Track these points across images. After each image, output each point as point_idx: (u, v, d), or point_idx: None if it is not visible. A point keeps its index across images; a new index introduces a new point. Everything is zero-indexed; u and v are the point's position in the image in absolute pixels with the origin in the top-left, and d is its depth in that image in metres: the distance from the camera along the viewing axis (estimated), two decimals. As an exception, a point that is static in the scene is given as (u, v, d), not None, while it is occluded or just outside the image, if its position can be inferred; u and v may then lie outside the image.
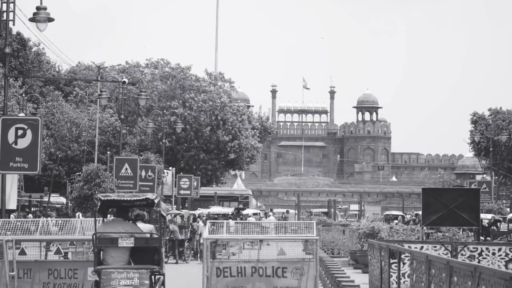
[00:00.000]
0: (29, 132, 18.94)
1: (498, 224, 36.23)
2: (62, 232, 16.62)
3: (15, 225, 15.61)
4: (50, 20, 20.45)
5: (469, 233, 25.86)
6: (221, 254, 17.75)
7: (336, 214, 60.89)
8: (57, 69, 62.94)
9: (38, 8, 20.44)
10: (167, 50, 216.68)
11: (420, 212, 35.96)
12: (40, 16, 20.38)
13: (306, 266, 15.03)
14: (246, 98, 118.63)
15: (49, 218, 23.38)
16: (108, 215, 13.56)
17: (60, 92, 52.07)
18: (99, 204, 11.85)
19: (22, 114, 35.91)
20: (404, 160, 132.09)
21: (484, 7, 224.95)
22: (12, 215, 28.71)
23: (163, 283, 12.09)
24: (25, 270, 14.48)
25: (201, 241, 29.05)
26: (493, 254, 16.30)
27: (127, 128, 57.80)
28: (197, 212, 38.38)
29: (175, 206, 44.43)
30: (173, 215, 31.91)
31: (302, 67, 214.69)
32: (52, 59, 60.35)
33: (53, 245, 18.40)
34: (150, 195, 11.95)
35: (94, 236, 11.75)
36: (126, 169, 32.25)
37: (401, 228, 26.41)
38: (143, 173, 35.05)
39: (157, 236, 12.24)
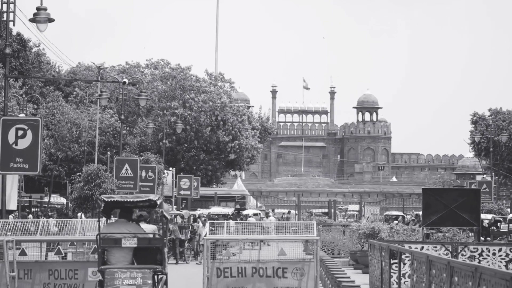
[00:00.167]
0: (29, 133, 18.94)
1: (498, 224, 36.23)
2: (63, 232, 16.61)
3: (15, 226, 15.61)
4: (50, 20, 20.44)
5: (469, 233, 25.85)
6: (221, 255, 17.76)
7: (336, 214, 60.94)
8: (57, 70, 62.97)
9: (38, 8, 20.43)
10: (167, 51, 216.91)
11: (420, 213, 35.97)
12: (40, 17, 20.37)
13: (306, 266, 15.03)
14: (246, 99, 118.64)
15: (50, 219, 23.38)
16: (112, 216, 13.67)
17: (60, 93, 52.05)
18: (103, 205, 12.05)
19: (22, 115, 35.92)
20: (404, 161, 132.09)
21: (485, 7, 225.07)
22: (10, 216, 28.71)
23: (165, 283, 12.23)
24: (26, 271, 14.48)
25: (201, 241, 29.10)
26: (494, 254, 16.31)
27: (127, 128, 57.80)
28: (197, 212, 38.39)
29: (175, 207, 44.44)
30: (173, 215, 31.91)
31: (302, 67, 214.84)
32: (52, 60, 60.47)
33: (52, 245, 18.40)
34: (152, 196, 12.20)
35: (98, 236, 11.91)
36: (127, 169, 32.24)
37: (401, 228, 26.40)
38: (143, 174, 35.04)
39: (159, 236, 12.42)
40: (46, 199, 47.33)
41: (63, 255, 17.89)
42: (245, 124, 63.60)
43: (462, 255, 16.16)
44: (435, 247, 16.36)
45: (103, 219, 12.74)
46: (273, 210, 60.23)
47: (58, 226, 17.32)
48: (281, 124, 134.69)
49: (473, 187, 44.60)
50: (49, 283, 14.47)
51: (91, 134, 47.19)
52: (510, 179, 68.41)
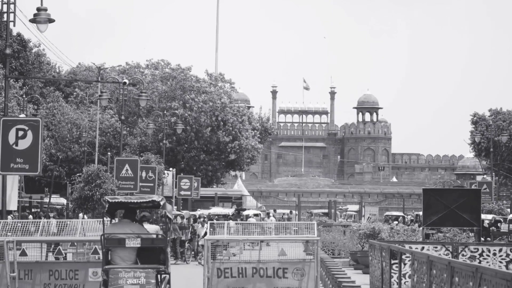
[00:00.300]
0: (29, 133, 18.93)
1: (499, 224, 36.24)
2: (63, 233, 16.61)
3: (16, 226, 15.60)
4: (51, 21, 20.43)
5: (469, 233, 25.85)
6: (221, 255, 17.76)
7: (336, 214, 60.93)
8: (57, 70, 62.95)
9: (38, 9, 20.42)
10: (167, 51, 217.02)
11: (420, 213, 35.97)
12: (40, 17, 20.36)
13: (307, 266, 15.04)
14: (246, 99, 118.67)
15: (51, 219, 23.36)
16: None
17: (61, 93, 52.04)
18: (107, 206, 12.23)
19: (22, 115, 35.91)
20: (405, 161, 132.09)
21: (485, 7, 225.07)
22: (9, 216, 28.68)
23: (168, 282, 12.40)
24: (26, 271, 14.48)
25: (200, 242, 29.11)
26: (494, 254, 16.31)
27: (128, 129, 57.79)
28: (197, 213, 38.39)
29: (175, 207, 44.44)
30: (173, 215, 31.91)
31: (302, 67, 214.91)
32: (52, 60, 60.46)
33: (54, 247, 18.38)
34: (156, 197, 12.42)
35: (102, 236, 12.09)
36: (127, 170, 32.23)
37: (401, 228, 26.41)
38: (144, 174, 35.03)
39: (162, 237, 12.62)
40: (46, 200, 47.31)
41: (64, 255, 17.88)
42: (245, 124, 63.60)
43: (463, 255, 16.16)
44: (436, 247, 16.36)
45: (106, 219, 12.97)
46: (275, 211, 60.17)
47: (58, 226, 17.32)
48: (281, 124, 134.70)
49: (473, 187, 44.59)
50: (49, 283, 14.48)
51: (91, 134, 47.18)
52: (511, 180, 68.40)
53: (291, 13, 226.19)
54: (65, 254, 18.58)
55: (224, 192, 59.95)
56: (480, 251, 16.32)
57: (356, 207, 72.41)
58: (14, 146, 18.89)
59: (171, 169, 48.31)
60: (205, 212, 41.24)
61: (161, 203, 12.34)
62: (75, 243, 18.46)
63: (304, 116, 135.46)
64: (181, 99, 59.94)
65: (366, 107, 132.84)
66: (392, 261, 14.83)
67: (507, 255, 16.29)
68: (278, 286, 14.99)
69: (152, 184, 35.47)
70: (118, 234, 12.08)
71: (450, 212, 20.20)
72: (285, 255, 15.66)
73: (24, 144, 18.91)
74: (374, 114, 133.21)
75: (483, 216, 30.78)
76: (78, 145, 47.98)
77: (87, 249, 18.75)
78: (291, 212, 61.86)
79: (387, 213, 61.56)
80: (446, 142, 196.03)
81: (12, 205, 24.20)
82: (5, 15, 21.88)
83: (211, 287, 14.98)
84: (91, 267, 14.56)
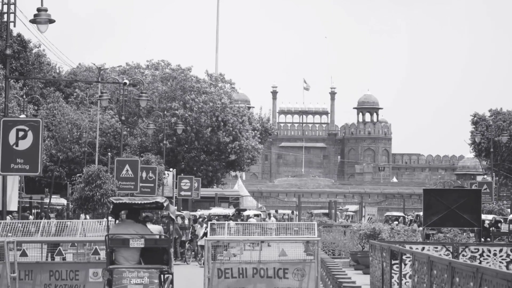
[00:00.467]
0: (30, 134, 18.93)
1: (499, 225, 36.25)
2: (63, 234, 16.59)
3: (16, 227, 15.59)
4: (51, 21, 20.43)
5: (470, 234, 25.85)
6: (222, 255, 17.76)
7: (337, 215, 60.91)
8: (57, 71, 62.95)
9: (38, 9, 20.42)
10: (167, 51, 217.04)
11: (421, 213, 35.95)
12: (40, 18, 20.35)
13: (307, 267, 15.04)
14: (246, 99, 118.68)
15: (51, 220, 23.36)
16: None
17: (61, 94, 52.04)
18: (111, 207, 12.48)
19: (23, 116, 35.90)
20: (405, 161, 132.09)
21: (485, 7, 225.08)
22: (8, 217, 28.64)
23: (171, 282, 12.58)
24: (27, 272, 14.48)
25: (199, 242, 29.13)
26: (494, 255, 16.30)
27: (128, 129, 57.78)
28: (198, 213, 38.38)
29: (175, 208, 44.39)
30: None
31: (303, 68, 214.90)
32: (52, 61, 60.46)
33: (53, 247, 18.35)
34: (159, 199, 12.68)
35: (106, 237, 12.26)
36: (127, 170, 32.24)
37: (402, 229, 26.40)
38: (144, 175, 35.03)
39: (166, 237, 12.84)
40: (46, 200, 47.29)
41: (63, 255, 17.87)
42: (245, 125, 63.59)
43: (463, 255, 16.15)
44: (436, 247, 16.36)
45: (110, 219, 13.09)
46: (276, 211, 60.10)
47: (56, 226, 17.29)
48: (282, 124, 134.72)
49: (473, 187, 44.60)
50: (50, 284, 14.47)
51: (92, 135, 47.18)
52: (511, 180, 68.37)
53: (291, 13, 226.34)
54: (65, 254, 18.56)
55: (221, 193, 59.98)
56: (480, 252, 16.31)
57: (354, 207, 72.41)
58: (14, 147, 18.89)
59: (171, 169, 48.31)
60: (205, 212, 41.23)
61: (165, 204, 12.54)
62: (76, 244, 18.45)
63: (304, 116, 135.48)
64: (182, 100, 59.94)
65: (366, 107, 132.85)
66: (393, 262, 14.82)
67: (508, 256, 16.29)
68: (278, 287, 14.99)
69: (152, 185, 35.47)
70: (122, 235, 12.25)
71: (450, 212, 20.20)
72: (285, 256, 15.66)
73: (24, 144, 18.92)
74: (374, 114, 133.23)
75: (483, 216, 30.78)
76: (78, 146, 47.98)
77: (88, 250, 18.74)
78: (292, 213, 61.83)
79: (388, 213, 61.52)
80: (447, 142, 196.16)
81: (13, 205, 24.20)
82: (5, 16, 21.88)
83: (211, 287, 14.98)
84: (92, 267, 14.56)
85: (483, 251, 16.32)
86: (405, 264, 14.39)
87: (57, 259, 17.36)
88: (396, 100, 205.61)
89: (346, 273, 15.88)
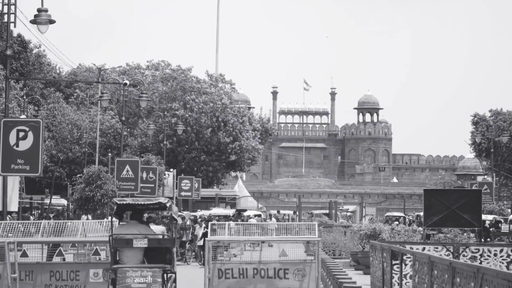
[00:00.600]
0: (30, 134, 18.94)
1: (500, 225, 36.27)
2: (64, 234, 16.58)
3: (16, 227, 15.59)
4: (51, 22, 20.43)
5: (470, 234, 25.86)
6: (222, 256, 17.76)
7: (337, 215, 60.89)
8: (58, 71, 62.95)
9: (39, 10, 20.42)
10: (167, 52, 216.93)
11: (421, 213, 35.96)
12: (41, 18, 20.35)
13: (307, 267, 15.04)
14: (247, 100, 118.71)
15: (50, 220, 23.35)
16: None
17: (61, 94, 52.02)
18: (115, 207, 12.71)
19: (23, 116, 35.91)
20: (405, 161, 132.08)
21: (485, 7, 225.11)
22: (8, 217, 28.64)
23: (174, 281, 12.78)
24: (27, 272, 14.49)
25: (198, 243, 29.14)
26: (495, 255, 16.30)
27: (128, 130, 57.79)
28: (198, 213, 38.39)
29: (177, 208, 44.40)
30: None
31: (303, 68, 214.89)
32: (53, 61, 60.47)
33: (53, 247, 18.33)
34: (162, 199, 12.94)
35: (110, 237, 12.45)
36: (127, 171, 32.23)
37: (402, 229, 26.40)
38: (144, 175, 35.02)
39: (168, 237, 12.98)
40: (47, 201, 47.29)
41: (64, 256, 17.87)
42: (245, 125, 63.58)
43: (464, 256, 16.15)
44: (436, 248, 16.36)
45: (112, 220, 13.37)
46: (278, 212, 60.05)
47: (54, 227, 17.27)
48: (282, 125, 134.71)
49: (474, 188, 44.62)
50: (50, 284, 14.48)
51: (92, 135, 47.17)
52: (511, 180, 68.37)
53: (292, 13, 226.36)
54: (65, 255, 18.56)
55: (218, 193, 60.02)
56: (481, 252, 16.31)
57: (352, 208, 72.36)
58: (14, 147, 18.90)
59: (171, 170, 48.32)
60: (205, 213, 41.25)
61: (167, 204, 12.75)
62: (76, 244, 18.45)
63: (304, 116, 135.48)
64: (182, 100, 59.95)
65: (367, 107, 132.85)
66: (393, 262, 14.83)
67: (508, 256, 16.29)
68: (279, 287, 14.99)
69: (152, 185, 35.46)
70: (126, 235, 12.44)
71: (451, 212, 20.19)
72: (286, 256, 15.66)
73: (24, 145, 18.92)
74: (375, 114, 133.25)
75: (484, 216, 30.79)
76: (78, 146, 47.95)
77: (88, 250, 18.74)
78: (294, 213, 61.72)
79: (388, 213, 61.52)
80: (447, 142, 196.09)
81: (13, 206, 24.21)
82: (5, 16, 21.88)
83: (212, 287, 14.99)
84: (92, 268, 14.56)
85: (483, 252, 16.31)
86: (406, 265, 14.39)
87: (56, 259, 17.35)
88: (397, 100, 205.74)
89: (346, 273, 15.87)
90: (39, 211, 47.66)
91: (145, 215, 16.67)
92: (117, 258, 12.53)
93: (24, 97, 42.43)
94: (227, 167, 65.25)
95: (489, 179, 56.78)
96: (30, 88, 50.90)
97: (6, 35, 22.45)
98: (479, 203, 20.79)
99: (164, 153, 48.47)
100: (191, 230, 31.33)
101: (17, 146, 18.91)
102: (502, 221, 36.86)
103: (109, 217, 13.60)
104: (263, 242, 16.70)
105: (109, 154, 48.02)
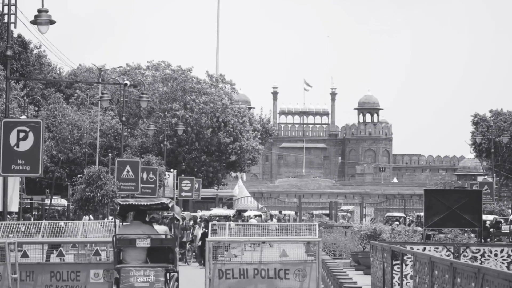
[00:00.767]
0: (30, 135, 18.94)
1: (500, 225, 36.29)
2: (64, 234, 16.58)
3: (16, 228, 15.59)
4: (52, 22, 20.43)
5: (470, 234, 25.86)
6: (223, 256, 17.76)
7: (337, 215, 60.89)
8: (58, 72, 62.96)
9: (39, 10, 20.42)
10: (168, 52, 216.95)
11: (421, 214, 35.96)
12: (41, 19, 20.36)
13: (308, 267, 15.03)
14: (247, 100, 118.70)
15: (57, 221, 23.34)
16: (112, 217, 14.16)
17: (62, 95, 52.04)
18: (118, 208, 12.96)
19: (23, 117, 35.92)
20: (406, 162, 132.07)
21: (485, 7, 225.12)
22: (7, 217, 28.64)
23: (177, 280, 13.03)
24: (28, 273, 14.48)
25: (198, 243, 29.13)
26: (495, 255, 16.30)
27: (128, 130, 57.79)
28: (198, 214, 38.39)
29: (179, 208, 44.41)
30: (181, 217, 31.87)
31: (303, 68, 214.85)
32: (53, 62, 60.49)
33: (53, 247, 18.34)
34: (164, 200, 13.23)
35: (114, 237, 12.66)
36: (128, 171, 32.25)
37: (403, 229, 26.39)
38: (145, 175, 35.03)
39: (171, 237, 13.27)
40: (47, 201, 47.31)
41: (64, 257, 17.87)
42: (246, 125, 63.60)
43: (464, 256, 16.15)
44: (437, 248, 16.36)
45: (114, 220, 13.57)
46: (280, 212, 60.05)
47: (51, 227, 17.27)
48: (282, 125, 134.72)
49: (474, 188, 44.64)
50: (51, 285, 14.47)
51: (92, 136, 47.17)
52: (511, 180, 68.37)
53: (292, 13, 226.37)
54: (65, 255, 18.56)
55: (215, 194, 60.06)
56: (481, 252, 16.31)
57: (351, 208, 72.34)
58: (15, 148, 18.90)
59: (172, 170, 48.33)
60: (206, 213, 41.25)
61: (170, 205, 13.01)
62: (77, 245, 18.45)
63: (305, 117, 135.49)
64: (182, 100, 59.95)
65: (367, 108, 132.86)
66: (394, 262, 14.83)
67: (509, 256, 16.28)
68: (279, 287, 14.99)
69: (153, 186, 35.47)
70: (130, 235, 12.65)
71: (451, 213, 20.19)
72: (286, 256, 15.64)
73: (25, 145, 18.93)
74: (375, 115, 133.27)
75: (484, 217, 30.79)
76: (79, 147, 47.97)
77: (89, 251, 18.75)
78: (296, 213, 61.67)
79: (388, 214, 61.51)
80: (447, 143, 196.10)
81: (14, 206, 24.22)
82: (6, 17, 21.89)
83: (212, 288, 14.98)
84: (93, 268, 14.54)
85: (484, 252, 16.31)
86: (406, 265, 14.39)
87: (58, 260, 17.35)
88: (397, 100, 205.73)
89: (347, 273, 15.87)
90: (39, 212, 47.67)
91: (155, 215, 16.85)
92: (121, 258, 12.69)
93: (25, 98, 42.44)
94: (228, 168, 65.26)
95: (490, 179, 56.79)
96: (30, 89, 50.90)
97: (7, 35, 22.45)
98: (479, 204, 20.80)
99: (165, 154, 48.49)
100: (191, 231, 31.34)
101: (18, 146, 18.91)
102: (503, 221, 36.89)
103: (109, 217, 13.68)
104: (263, 242, 16.68)
105: (110, 154, 48.03)
